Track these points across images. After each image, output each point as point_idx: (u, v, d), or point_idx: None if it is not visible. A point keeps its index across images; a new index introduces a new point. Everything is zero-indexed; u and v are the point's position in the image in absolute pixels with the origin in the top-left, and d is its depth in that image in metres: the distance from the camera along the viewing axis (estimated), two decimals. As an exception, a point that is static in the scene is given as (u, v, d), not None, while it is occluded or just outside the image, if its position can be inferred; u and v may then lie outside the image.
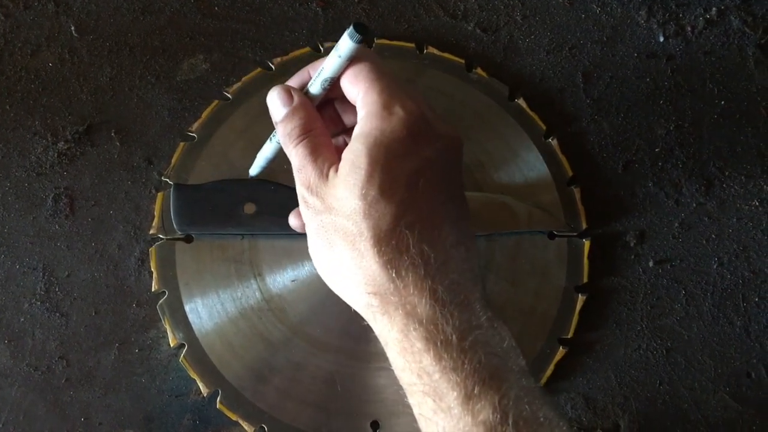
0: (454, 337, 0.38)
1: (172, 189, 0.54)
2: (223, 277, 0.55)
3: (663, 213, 0.57)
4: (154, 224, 0.55)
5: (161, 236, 0.55)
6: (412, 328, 0.38)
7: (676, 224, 0.57)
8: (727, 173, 0.58)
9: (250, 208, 0.54)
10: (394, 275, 0.38)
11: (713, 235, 0.57)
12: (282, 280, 0.55)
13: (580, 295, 0.55)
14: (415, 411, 0.40)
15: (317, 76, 0.43)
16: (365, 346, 0.54)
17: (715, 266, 0.57)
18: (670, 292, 0.56)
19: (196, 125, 0.57)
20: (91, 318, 0.54)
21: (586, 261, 0.56)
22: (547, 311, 0.55)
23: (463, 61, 0.59)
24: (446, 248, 0.40)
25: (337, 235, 0.40)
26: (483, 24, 0.60)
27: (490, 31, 0.60)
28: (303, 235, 0.54)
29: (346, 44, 0.40)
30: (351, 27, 0.40)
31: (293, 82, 0.45)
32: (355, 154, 0.39)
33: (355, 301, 0.41)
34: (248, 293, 0.54)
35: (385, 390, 0.53)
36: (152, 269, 0.54)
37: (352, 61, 0.41)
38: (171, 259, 0.55)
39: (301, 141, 0.42)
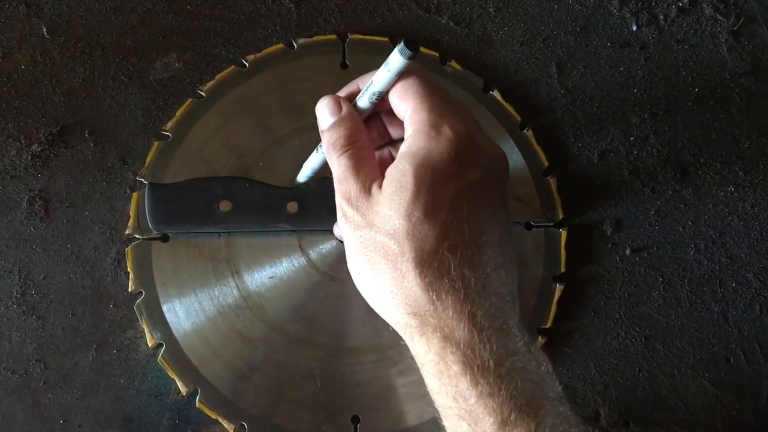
0: (491, 362, 0.38)
1: (146, 188, 0.54)
2: (201, 276, 0.54)
3: (639, 201, 0.58)
4: (129, 224, 0.55)
5: (137, 236, 0.55)
6: (449, 352, 0.38)
7: (653, 212, 0.58)
8: (702, 160, 0.59)
9: (225, 206, 0.54)
10: (434, 297, 0.38)
11: (689, 222, 0.58)
12: (260, 277, 0.55)
13: (557, 284, 0.55)
14: None
15: (366, 89, 0.43)
16: (344, 341, 0.54)
17: (691, 253, 0.57)
18: (647, 280, 0.56)
19: (170, 124, 0.57)
20: (68, 320, 0.54)
21: (563, 251, 0.56)
22: (526, 302, 0.55)
23: (437, 54, 0.59)
24: (487, 272, 0.39)
25: (378, 253, 0.40)
26: (456, 17, 0.61)
27: (463, 24, 0.60)
28: (279, 232, 0.55)
29: (396, 60, 0.40)
30: (402, 43, 0.39)
31: (342, 93, 0.45)
32: (401, 173, 0.39)
33: (393, 320, 0.41)
34: (226, 291, 0.54)
35: (365, 385, 0.53)
36: (129, 269, 0.54)
37: (401, 75, 0.41)
38: (147, 258, 0.54)
39: (345, 152, 0.42)
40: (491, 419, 0.37)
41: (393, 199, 0.39)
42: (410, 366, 0.53)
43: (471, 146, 0.40)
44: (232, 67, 0.58)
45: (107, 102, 0.57)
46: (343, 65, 0.58)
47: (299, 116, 0.57)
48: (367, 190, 0.41)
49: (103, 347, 0.54)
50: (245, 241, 0.55)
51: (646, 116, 0.59)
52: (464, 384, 0.38)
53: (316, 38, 0.59)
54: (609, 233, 0.57)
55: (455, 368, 0.38)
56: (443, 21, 0.60)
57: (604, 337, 0.56)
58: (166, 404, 0.53)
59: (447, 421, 0.39)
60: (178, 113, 0.57)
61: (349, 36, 0.59)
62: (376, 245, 0.40)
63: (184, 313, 0.54)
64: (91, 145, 0.57)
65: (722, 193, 0.58)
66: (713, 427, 0.54)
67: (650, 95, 0.59)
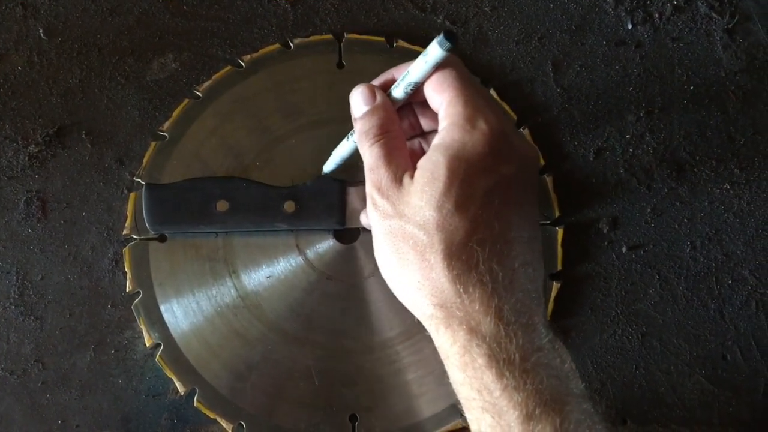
0: (516, 356, 0.38)
1: (143, 188, 0.54)
2: (198, 276, 0.55)
3: (635, 199, 0.58)
4: (127, 225, 0.55)
5: (134, 236, 0.55)
6: (474, 344, 0.38)
7: (649, 210, 0.58)
8: (697, 158, 0.59)
9: (223, 206, 0.54)
10: (461, 290, 0.38)
11: (685, 220, 0.58)
12: (257, 276, 0.55)
13: (554, 282, 0.55)
14: (473, 427, 0.40)
15: (401, 79, 0.43)
16: (342, 340, 0.54)
17: (688, 250, 0.57)
18: (643, 277, 0.57)
19: (167, 124, 0.57)
20: (66, 320, 0.54)
21: (559, 249, 0.56)
22: (522, 300, 0.55)
23: (433, 53, 0.59)
24: (514, 267, 0.40)
25: (407, 244, 0.40)
26: (452, 16, 0.61)
27: (459, 23, 0.61)
28: (277, 231, 0.55)
29: (435, 51, 0.40)
30: (441, 35, 0.39)
31: (377, 82, 0.45)
32: (434, 165, 0.39)
33: (418, 311, 0.41)
34: (223, 291, 0.54)
35: (362, 384, 0.53)
36: (126, 270, 0.54)
37: (437, 67, 0.41)
38: (145, 259, 0.55)
39: (377, 141, 0.42)
40: (516, 413, 0.37)
41: (425, 190, 0.39)
42: (408, 364, 0.54)
43: (505, 142, 0.40)
44: (229, 67, 0.58)
45: (104, 103, 0.58)
46: (340, 65, 0.59)
47: (296, 116, 0.57)
48: (398, 180, 0.41)
49: (101, 347, 0.54)
50: (242, 240, 0.55)
51: (641, 114, 0.59)
52: (489, 377, 0.38)
53: (312, 38, 0.59)
54: (605, 231, 0.57)
55: (480, 361, 0.38)
56: (439, 20, 0.61)
57: (601, 335, 0.56)
58: (164, 404, 0.54)
59: (470, 413, 0.40)
60: (175, 113, 0.57)
61: (345, 36, 0.59)
62: (405, 235, 0.40)
63: (181, 313, 0.54)
64: (88, 145, 0.57)
65: (718, 191, 0.58)
66: (710, 423, 0.55)
67: (646, 93, 0.60)
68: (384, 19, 0.60)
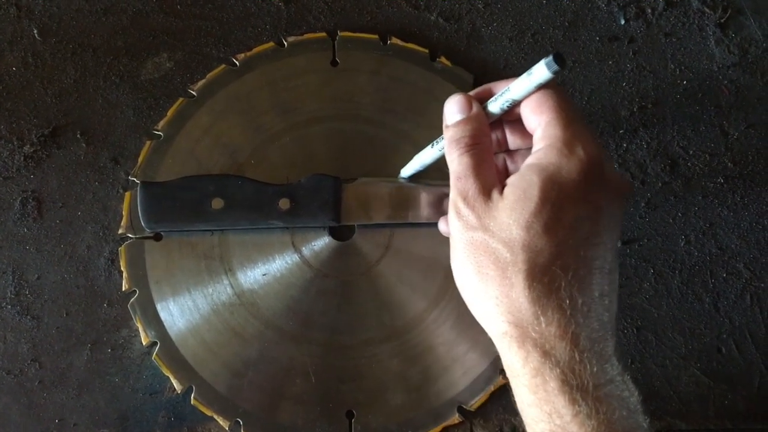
0: (590, 384, 0.38)
1: (139, 187, 0.54)
2: (194, 274, 0.55)
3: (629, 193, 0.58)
4: (122, 223, 0.55)
5: (130, 235, 0.55)
6: (548, 368, 0.38)
7: (643, 204, 0.58)
8: (691, 152, 0.59)
9: (218, 204, 0.54)
10: (539, 312, 0.38)
11: (679, 214, 0.58)
12: (253, 274, 0.55)
13: (549, 277, 0.56)
14: None
15: (500, 95, 0.43)
16: (338, 337, 0.54)
17: (682, 244, 0.57)
18: (638, 272, 0.57)
19: (161, 123, 0.57)
20: (63, 319, 0.54)
21: (554, 244, 0.56)
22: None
23: (426, 50, 0.59)
24: (594, 297, 0.39)
25: (488, 258, 0.40)
26: (445, 13, 0.61)
27: (452, 20, 0.61)
28: (272, 229, 0.55)
29: (541, 72, 0.40)
30: (551, 57, 0.39)
31: (472, 93, 0.45)
32: (528, 184, 0.39)
33: (492, 326, 0.41)
34: (219, 289, 0.55)
35: (359, 380, 0.54)
36: (122, 268, 0.54)
37: (539, 87, 0.41)
38: (141, 257, 0.55)
39: (468, 151, 0.42)
40: None
41: (515, 208, 0.39)
42: (404, 360, 0.54)
43: (599, 171, 0.40)
44: (223, 66, 0.58)
45: (99, 102, 0.58)
46: (333, 63, 0.59)
47: (290, 114, 0.57)
48: (486, 193, 0.41)
49: (98, 346, 0.54)
50: (238, 238, 0.55)
51: (635, 109, 0.59)
52: (561, 402, 0.38)
53: (306, 36, 0.59)
54: (600, 226, 0.57)
55: (553, 384, 0.38)
56: (432, 17, 0.61)
57: (597, 329, 0.56)
58: (161, 402, 0.54)
59: None
60: (170, 112, 0.57)
61: (338, 34, 0.59)
62: (488, 250, 0.40)
63: (178, 311, 0.54)
64: (83, 145, 0.57)
65: (711, 185, 0.58)
66: (705, 416, 0.55)
67: (639, 88, 0.60)
68: (377, 17, 0.61)
